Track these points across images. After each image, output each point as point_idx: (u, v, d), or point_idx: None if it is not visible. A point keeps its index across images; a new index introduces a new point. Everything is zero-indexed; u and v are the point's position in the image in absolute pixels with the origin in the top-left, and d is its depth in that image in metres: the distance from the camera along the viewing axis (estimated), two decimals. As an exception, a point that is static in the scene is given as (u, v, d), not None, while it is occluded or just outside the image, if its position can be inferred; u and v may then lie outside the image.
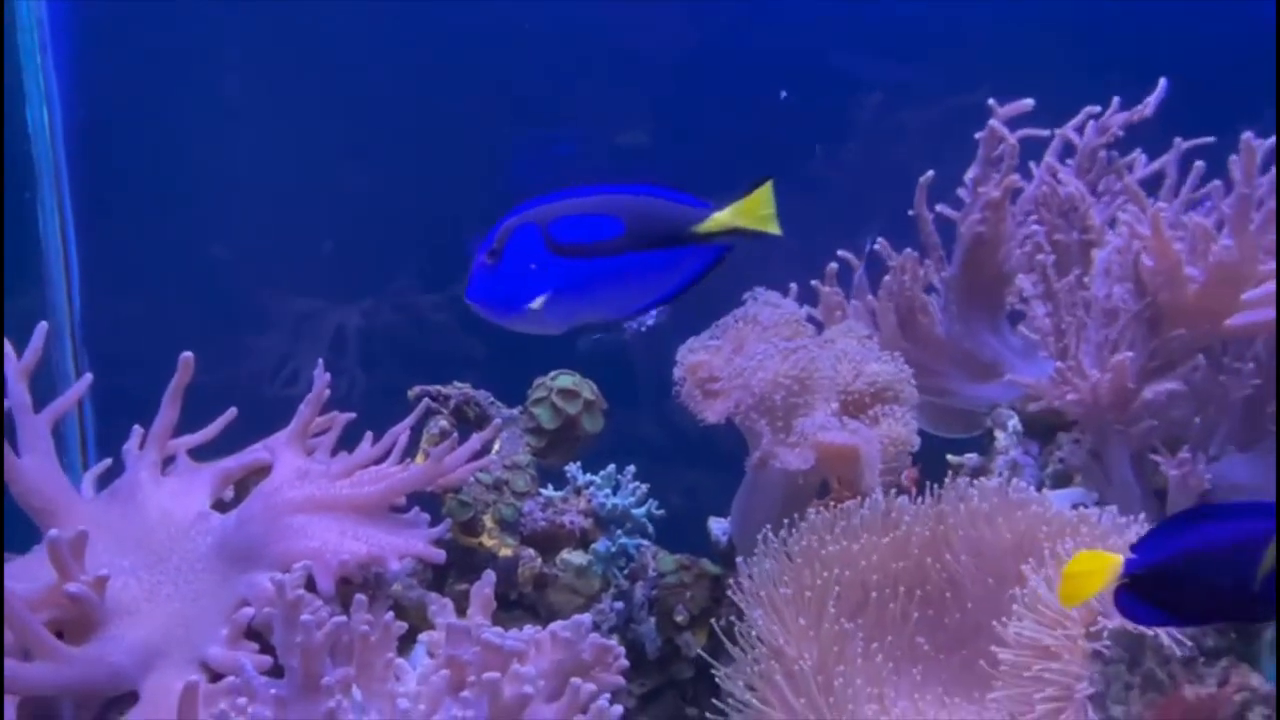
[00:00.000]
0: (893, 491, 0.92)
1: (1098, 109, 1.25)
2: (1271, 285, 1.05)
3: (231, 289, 1.64)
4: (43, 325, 1.04)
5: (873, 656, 0.85)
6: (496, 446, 1.28)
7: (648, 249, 1.02)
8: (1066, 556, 0.80)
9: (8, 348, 1.02)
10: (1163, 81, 1.23)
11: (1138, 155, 1.25)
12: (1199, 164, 1.12)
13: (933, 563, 0.89)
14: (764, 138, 1.56)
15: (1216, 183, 1.08)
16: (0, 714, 0.87)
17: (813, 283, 1.31)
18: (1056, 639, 0.76)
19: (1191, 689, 1.05)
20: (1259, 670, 1.09)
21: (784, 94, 1.47)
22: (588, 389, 1.31)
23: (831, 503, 1.08)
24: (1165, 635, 0.78)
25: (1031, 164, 1.25)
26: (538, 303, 1.04)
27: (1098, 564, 0.75)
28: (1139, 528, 0.82)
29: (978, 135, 1.24)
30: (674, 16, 1.54)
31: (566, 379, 1.31)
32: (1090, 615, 0.77)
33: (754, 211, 1.03)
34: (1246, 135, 1.01)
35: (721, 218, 1.02)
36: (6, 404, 1.00)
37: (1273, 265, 1.05)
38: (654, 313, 1.34)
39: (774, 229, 1.02)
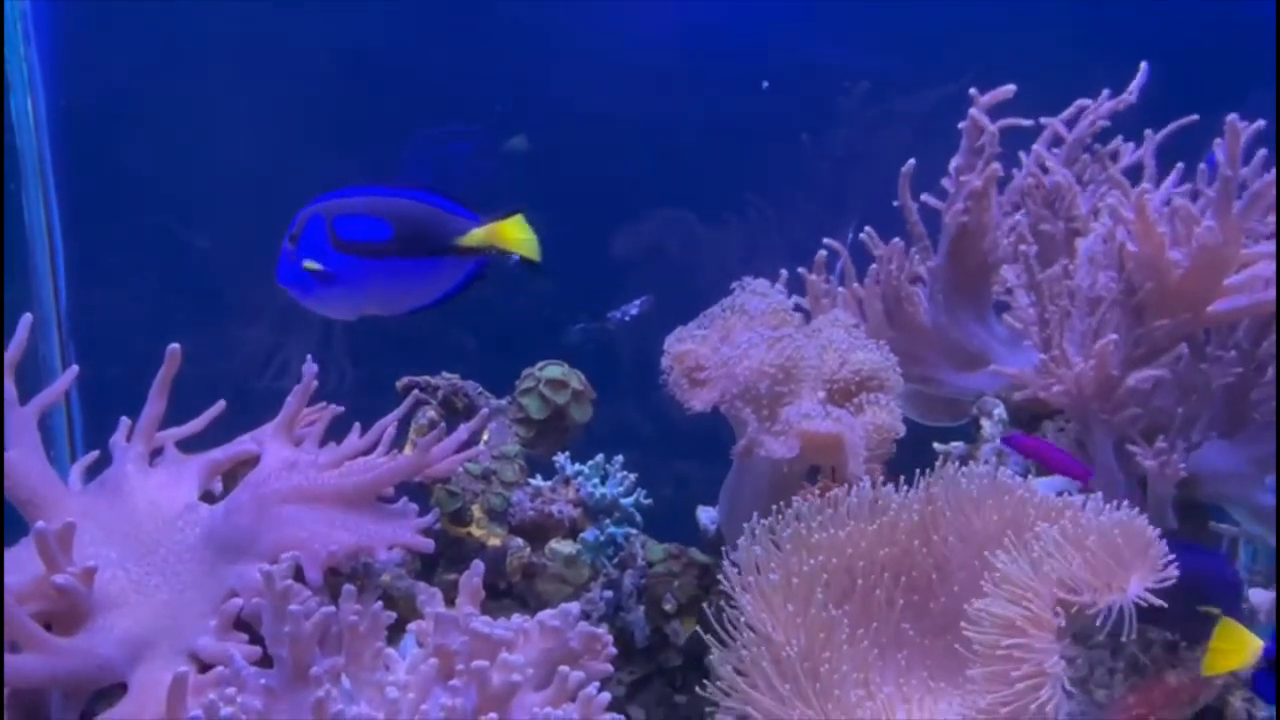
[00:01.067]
0: (880, 479, 0.92)
1: (1089, 102, 1.25)
2: (1255, 270, 1.06)
3: (219, 280, 1.63)
4: (27, 317, 1.04)
5: (859, 642, 0.85)
6: (485, 437, 1.28)
7: (411, 256, 1.08)
8: (1046, 539, 0.80)
9: None
10: (1144, 65, 1.23)
11: (1119, 143, 1.26)
12: (1179, 165, 1.13)
13: (920, 548, 0.90)
14: (748, 129, 1.56)
15: (1201, 165, 1.08)
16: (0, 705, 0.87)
17: (799, 270, 1.31)
18: (1023, 615, 0.76)
19: (1174, 674, 1.06)
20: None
21: (765, 84, 1.47)
22: (576, 379, 1.31)
23: (819, 490, 1.09)
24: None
25: (1021, 154, 1.25)
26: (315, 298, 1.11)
27: (1240, 644, 0.84)
28: (1121, 514, 0.82)
29: (961, 125, 1.25)
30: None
31: (555, 369, 1.31)
32: (1060, 588, 0.78)
33: (510, 234, 1.10)
34: (1231, 117, 1.01)
35: (479, 234, 1.09)
36: None
37: (1256, 249, 1.05)
38: (638, 302, 1.36)
39: (532, 254, 1.10)
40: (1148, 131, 1.17)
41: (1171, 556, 0.81)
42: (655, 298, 1.38)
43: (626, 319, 1.34)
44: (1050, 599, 0.78)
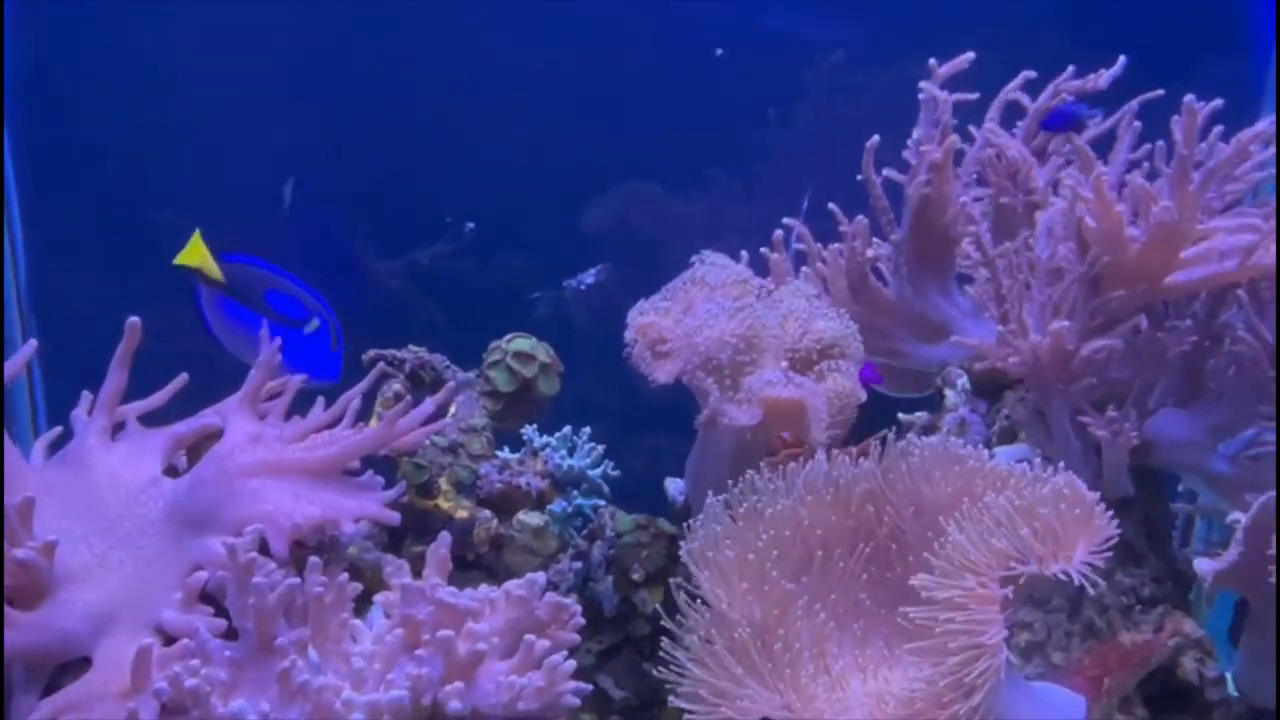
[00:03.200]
0: (835, 451, 0.93)
1: (1034, 73, 1.25)
2: (1211, 243, 1.08)
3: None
4: None
5: (814, 616, 0.86)
6: (453, 410, 1.28)
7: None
8: (996, 510, 0.82)
9: None
10: (1121, 59, 1.24)
11: (1086, 116, 1.27)
12: (1136, 124, 1.14)
13: (875, 519, 0.91)
14: (713, 103, 1.55)
15: (1160, 143, 1.09)
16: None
17: (762, 250, 1.32)
18: (966, 587, 0.78)
19: (1128, 635, 1.09)
20: (1192, 617, 1.13)
21: (719, 51, 1.46)
22: (543, 352, 1.31)
23: (781, 459, 1.10)
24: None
25: (971, 128, 1.26)
26: None
27: None
28: (1065, 483, 0.84)
29: (921, 96, 1.25)
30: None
31: (522, 342, 1.31)
32: (1005, 560, 0.79)
33: (192, 253, 1.23)
34: (1188, 98, 1.03)
35: (179, 257, 1.22)
36: None
37: (1213, 223, 1.07)
38: (593, 271, 1.36)
39: (213, 272, 1.22)
40: (1117, 115, 1.18)
41: (1116, 522, 0.82)
42: (611, 266, 1.38)
43: (582, 287, 1.34)
44: (996, 571, 0.79)
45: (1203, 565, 1.03)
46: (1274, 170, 1.12)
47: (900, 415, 1.30)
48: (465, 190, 1.60)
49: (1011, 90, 1.25)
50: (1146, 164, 1.13)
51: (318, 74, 1.57)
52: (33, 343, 1.11)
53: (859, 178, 1.27)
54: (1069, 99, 1.25)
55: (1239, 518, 1.01)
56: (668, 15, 1.53)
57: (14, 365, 1.07)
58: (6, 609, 0.89)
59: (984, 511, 0.81)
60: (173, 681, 0.86)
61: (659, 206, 1.58)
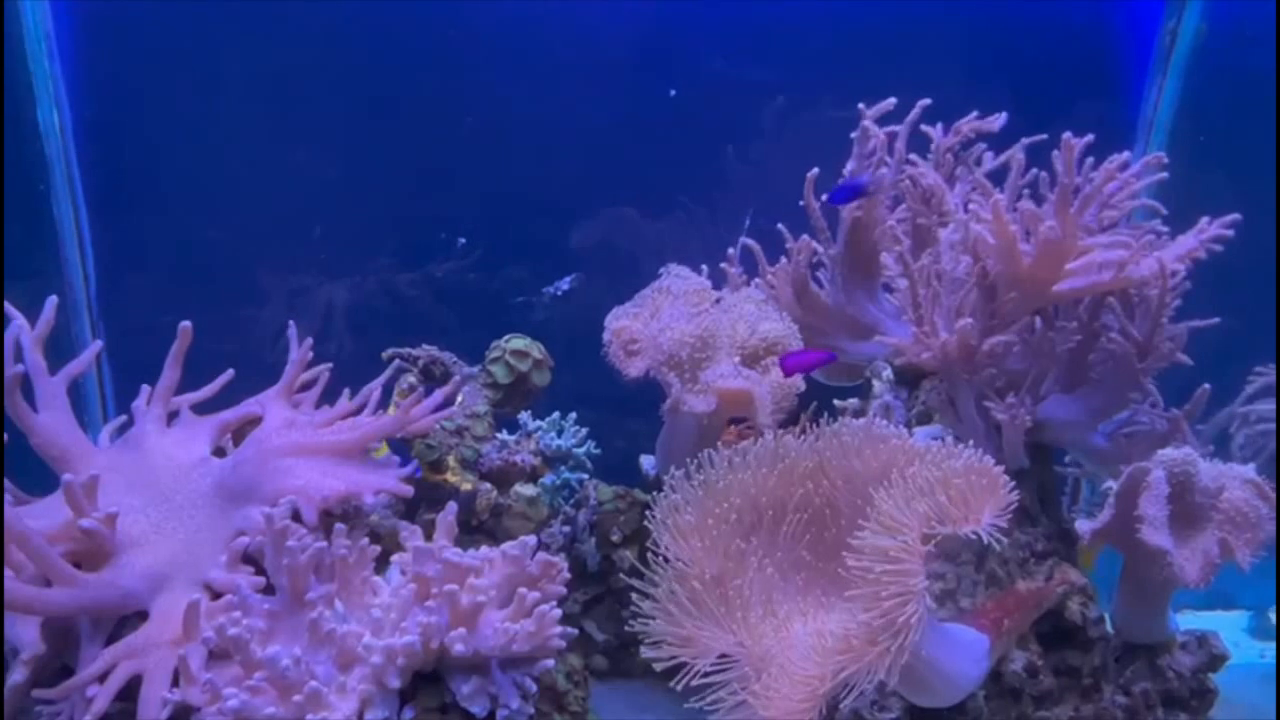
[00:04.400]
0: (780, 430, 0.93)
1: (928, 101, 1.24)
2: (1090, 257, 1.08)
3: (233, 267, 1.59)
4: (53, 299, 1.00)
5: (763, 569, 0.86)
6: (460, 399, 1.27)
7: None
8: (919, 480, 0.81)
9: (21, 320, 0.98)
10: (1003, 115, 1.24)
11: (982, 151, 1.27)
12: (1019, 157, 1.14)
13: (814, 489, 0.90)
14: (677, 140, 1.54)
15: (1043, 173, 1.09)
16: None
17: (721, 265, 1.31)
18: (896, 545, 0.77)
19: (1024, 583, 1.09)
20: (1077, 568, 1.14)
21: (673, 92, 1.45)
22: (536, 349, 1.30)
23: (735, 436, 1.09)
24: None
25: (885, 159, 1.26)
26: None
27: None
28: (975, 458, 0.83)
29: (853, 135, 1.25)
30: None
31: (519, 341, 1.30)
32: (926, 522, 0.79)
33: None
34: (1066, 135, 1.03)
35: None
36: (21, 368, 0.96)
37: (1093, 240, 1.07)
38: (568, 279, 1.35)
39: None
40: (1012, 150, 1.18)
41: (1015, 491, 0.82)
42: (584, 275, 1.36)
43: (559, 294, 1.33)
44: (919, 529, 0.79)
45: (1082, 525, 1.03)
46: (1143, 200, 1.13)
47: (835, 402, 1.30)
48: (475, 214, 1.59)
49: (912, 121, 1.24)
50: (1028, 192, 1.13)
51: (363, 103, 1.54)
52: (97, 343, 1.09)
53: (800, 203, 1.27)
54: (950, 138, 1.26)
55: (1111, 485, 1.02)
56: (649, 69, 1.52)
57: (81, 362, 1.05)
58: (73, 571, 0.87)
59: (909, 481, 0.80)
60: (218, 630, 0.85)
61: (635, 227, 1.57)
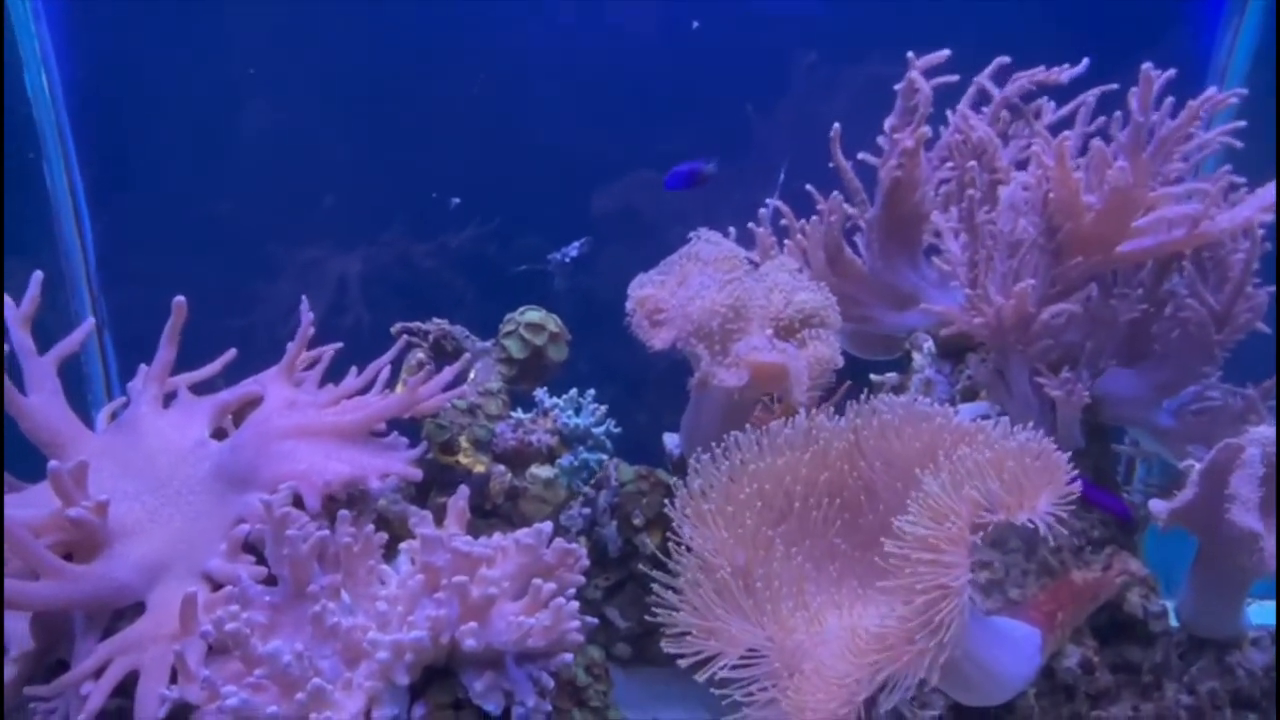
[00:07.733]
0: (814, 410, 0.86)
1: (1008, 59, 1.16)
2: (1160, 213, 0.99)
3: (240, 239, 1.54)
4: (38, 274, 0.96)
5: (792, 559, 0.80)
6: (472, 375, 1.22)
7: None
8: (967, 462, 0.75)
9: (7, 298, 0.94)
10: (1085, 60, 1.14)
11: (1043, 102, 1.18)
12: (1090, 101, 1.04)
13: (849, 472, 0.84)
14: (708, 98, 1.46)
15: (1117, 113, 1.01)
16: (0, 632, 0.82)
17: (749, 225, 1.24)
18: (940, 533, 0.71)
19: (1080, 573, 1.02)
20: (1137, 557, 1.07)
21: (695, 24, 1.36)
22: (553, 322, 1.25)
23: (767, 417, 1.03)
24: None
25: (948, 112, 1.17)
26: None
27: None
28: (1031, 438, 0.77)
29: (897, 86, 1.16)
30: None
31: (534, 313, 1.25)
32: (976, 509, 0.73)
33: None
34: (1146, 66, 0.93)
35: None
36: (8, 348, 0.93)
37: (1163, 191, 0.99)
38: (577, 244, 1.28)
39: None
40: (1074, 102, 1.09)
41: (1076, 475, 0.76)
42: (594, 239, 1.30)
43: (567, 260, 1.27)
44: (968, 518, 0.73)
45: (1156, 505, 0.95)
46: (1216, 149, 1.04)
47: (872, 376, 1.24)
48: (489, 179, 1.53)
49: (984, 78, 1.15)
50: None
51: (360, 75, 1.48)
52: (90, 321, 1.05)
53: (831, 165, 1.18)
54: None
55: (1193, 463, 0.94)
56: (674, 32, 1.44)
57: (71, 342, 1.00)
58: (61, 563, 0.83)
59: (957, 464, 0.74)
60: (216, 624, 0.82)
61: (658, 191, 1.50)
